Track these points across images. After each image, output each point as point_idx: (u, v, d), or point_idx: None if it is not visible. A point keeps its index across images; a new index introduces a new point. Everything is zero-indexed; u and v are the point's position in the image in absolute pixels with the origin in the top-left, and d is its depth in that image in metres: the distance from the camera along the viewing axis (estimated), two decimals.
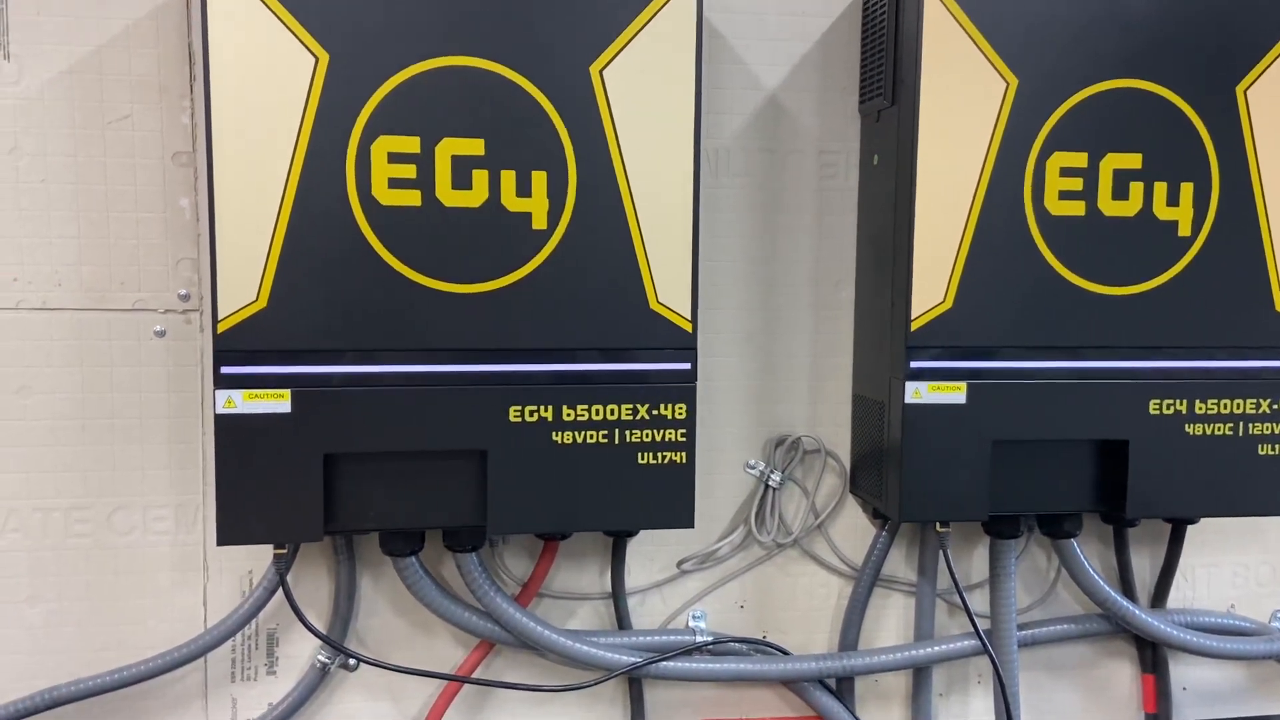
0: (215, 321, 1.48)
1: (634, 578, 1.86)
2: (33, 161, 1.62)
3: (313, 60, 1.47)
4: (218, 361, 1.49)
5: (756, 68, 1.81)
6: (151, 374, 1.68)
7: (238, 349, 1.49)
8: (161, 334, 1.67)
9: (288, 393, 1.50)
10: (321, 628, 1.73)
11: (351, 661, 1.76)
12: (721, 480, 1.86)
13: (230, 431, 1.49)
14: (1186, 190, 1.69)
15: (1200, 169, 1.69)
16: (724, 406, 1.85)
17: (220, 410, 1.49)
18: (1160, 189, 1.68)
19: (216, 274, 1.47)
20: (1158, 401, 1.71)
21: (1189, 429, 1.72)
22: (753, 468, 1.87)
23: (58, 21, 1.61)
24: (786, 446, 1.87)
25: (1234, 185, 1.69)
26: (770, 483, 1.86)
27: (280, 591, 1.66)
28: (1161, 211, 1.68)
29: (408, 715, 1.80)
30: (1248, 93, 1.68)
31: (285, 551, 1.63)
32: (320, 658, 1.74)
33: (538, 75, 1.52)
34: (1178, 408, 1.72)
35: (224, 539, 1.52)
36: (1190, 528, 1.92)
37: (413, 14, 1.48)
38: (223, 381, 1.49)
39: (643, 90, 1.55)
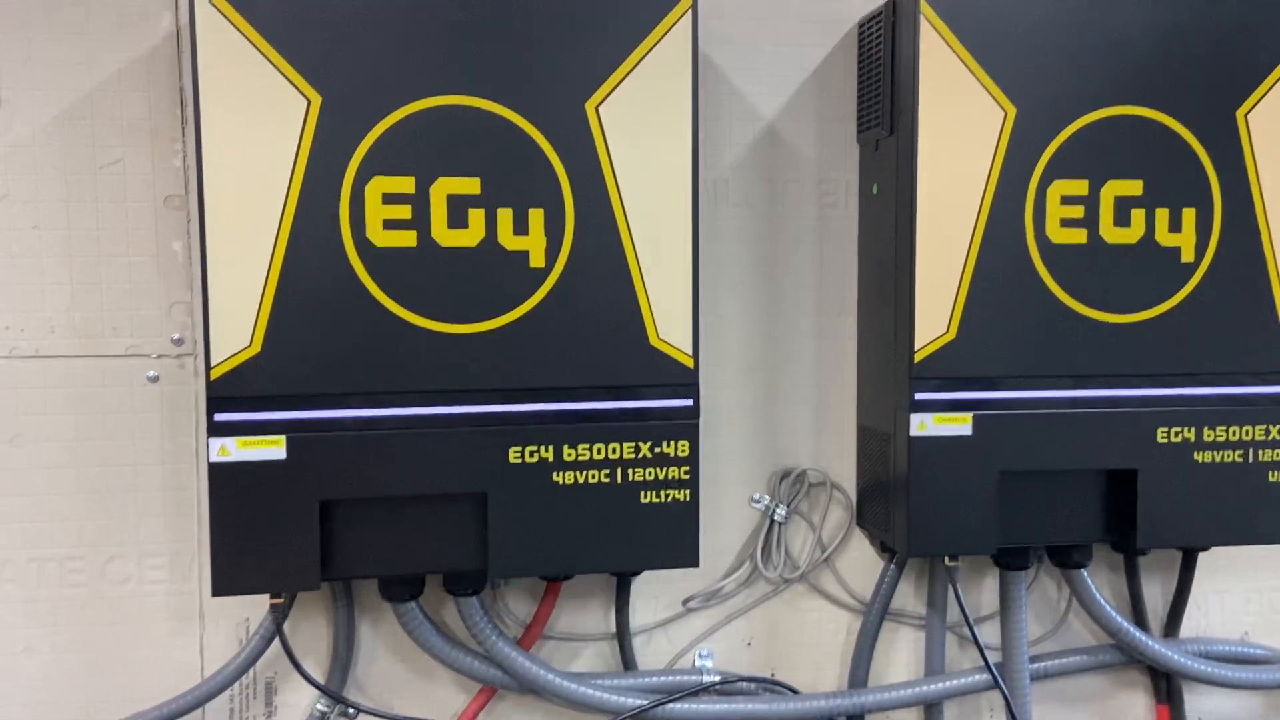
0: (208, 368, 1.46)
1: (639, 617, 1.83)
2: (24, 208, 1.61)
3: (305, 102, 1.45)
4: (211, 409, 1.46)
5: (753, 98, 1.80)
6: (145, 420, 1.66)
7: (231, 395, 1.46)
8: (155, 379, 1.65)
9: (283, 439, 1.48)
10: (321, 675, 1.70)
11: (351, 710, 1.72)
12: (726, 515, 1.84)
13: (224, 480, 1.47)
14: (1189, 216, 1.67)
15: (1202, 195, 1.67)
16: (727, 439, 1.83)
17: (214, 459, 1.46)
18: (1162, 215, 1.66)
19: (209, 320, 1.45)
20: (1165, 429, 1.69)
21: (1198, 456, 1.70)
22: (758, 502, 1.84)
23: (48, 66, 1.60)
24: (792, 479, 1.84)
25: (1236, 210, 1.68)
26: (776, 517, 1.83)
27: (278, 639, 1.63)
28: (1164, 238, 1.67)
29: None
30: (1248, 117, 1.67)
31: (282, 601, 1.60)
32: (319, 706, 1.71)
33: (533, 113, 1.51)
34: (1186, 435, 1.69)
35: (219, 589, 1.49)
36: (1202, 554, 1.90)
37: (405, 54, 1.47)
38: (216, 429, 1.46)
39: (639, 125, 1.54)
